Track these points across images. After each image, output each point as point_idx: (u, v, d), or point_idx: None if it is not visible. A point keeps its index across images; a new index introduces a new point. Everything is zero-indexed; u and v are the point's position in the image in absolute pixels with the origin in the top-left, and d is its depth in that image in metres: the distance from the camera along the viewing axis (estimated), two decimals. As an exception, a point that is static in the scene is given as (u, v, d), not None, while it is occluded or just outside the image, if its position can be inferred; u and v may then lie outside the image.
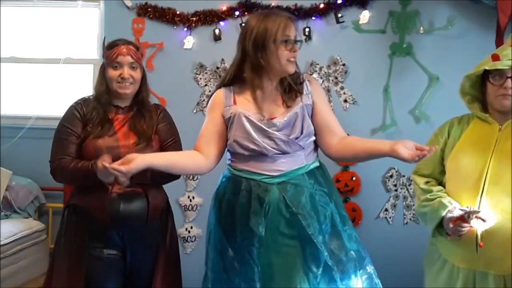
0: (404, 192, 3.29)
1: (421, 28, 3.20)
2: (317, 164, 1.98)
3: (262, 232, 1.83)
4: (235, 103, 1.93)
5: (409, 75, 3.23)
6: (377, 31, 3.24)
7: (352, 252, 1.87)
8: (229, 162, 2.00)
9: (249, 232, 1.84)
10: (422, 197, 2.00)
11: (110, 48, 2.05)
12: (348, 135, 2.00)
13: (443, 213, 1.86)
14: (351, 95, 3.26)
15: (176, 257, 2.22)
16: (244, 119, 1.88)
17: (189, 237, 3.40)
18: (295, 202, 1.85)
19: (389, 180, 3.28)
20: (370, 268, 1.91)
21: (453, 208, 1.84)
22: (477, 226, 1.82)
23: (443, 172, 2.02)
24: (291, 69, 1.89)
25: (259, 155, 1.88)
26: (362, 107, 3.25)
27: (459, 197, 1.89)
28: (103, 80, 2.08)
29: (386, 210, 3.30)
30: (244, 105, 1.92)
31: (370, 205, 3.29)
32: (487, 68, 1.87)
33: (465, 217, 1.78)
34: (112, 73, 2.04)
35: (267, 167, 1.88)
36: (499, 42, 2.70)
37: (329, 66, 3.26)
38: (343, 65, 3.26)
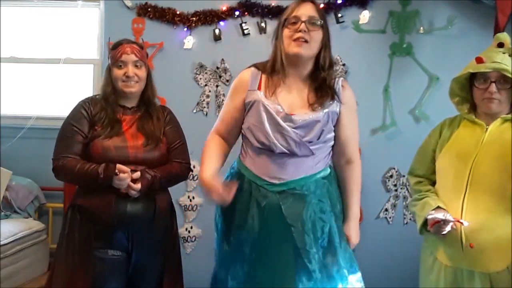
0: (404, 192, 3.29)
1: (421, 28, 3.20)
2: (326, 172, 1.91)
3: (255, 235, 1.82)
4: (259, 87, 1.88)
5: (409, 75, 3.23)
6: (377, 31, 3.24)
7: (345, 271, 1.85)
8: (240, 152, 1.96)
9: (244, 233, 1.84)
10: (413, 196, 2.05)
11: (114, 48, 2.07)
12: (353, 162, 1.95)
13: (427, 213, 1.88)
14: (351, 95, 3.26)
15: (179, 257, 2.23)
16: (261, 108, 1.83)
17: (189, 237, 3.40)
18: (292, 214, 1.81)
19: (389, 180, 3.28)
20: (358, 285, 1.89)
21: (434, 211, 1.85)
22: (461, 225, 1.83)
23: (435, 172, 2.02)
24: (295, 49, 1.78)
25: (267, 151, 1.83)
26: (362, 107, 3.19)
27: (445, 197, 1.91)
28: (109, 80, 2.08)
29: (386, 210, 3.30)
30: (266, 92, 1.85)
31: (370, 205, 3.29)
32: (471, 71, 1.87)
33: (441, 224, 1.81)
34: (117, 72, 2.05)
35: (271, 171, 1.83)
36: (498, 42, 2.70)
37: (329, 66, 3.25)
38: (343, 65, 3.26)
